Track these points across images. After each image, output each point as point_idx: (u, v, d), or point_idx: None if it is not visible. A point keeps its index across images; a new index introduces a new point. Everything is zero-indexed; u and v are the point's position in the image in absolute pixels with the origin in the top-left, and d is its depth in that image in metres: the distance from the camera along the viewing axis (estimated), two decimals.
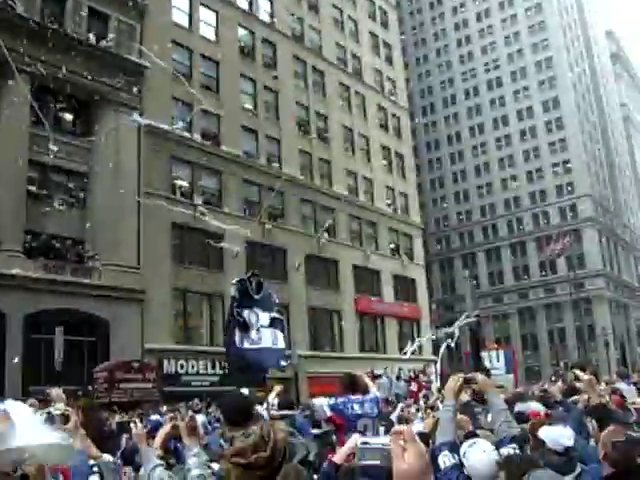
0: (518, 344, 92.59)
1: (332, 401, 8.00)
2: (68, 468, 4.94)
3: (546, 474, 4.15)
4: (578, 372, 8.39)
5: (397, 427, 2.20)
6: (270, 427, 4.72)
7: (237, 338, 10.52)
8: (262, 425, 4.73)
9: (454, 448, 4.95)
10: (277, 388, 10.34)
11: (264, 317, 10.74)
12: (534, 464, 4.28)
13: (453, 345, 29.18)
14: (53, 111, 34.73)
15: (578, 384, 8.77)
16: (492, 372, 22.81)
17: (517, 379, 22.58)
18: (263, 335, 10.62)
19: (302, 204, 50.24)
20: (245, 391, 9.46)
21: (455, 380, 5.64)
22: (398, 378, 23.16)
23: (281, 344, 11.02)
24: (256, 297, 11.15)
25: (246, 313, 10.74)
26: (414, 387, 23.00)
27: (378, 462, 2.32)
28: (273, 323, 10.94)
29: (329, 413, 7.85)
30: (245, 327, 10.67)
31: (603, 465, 4.70)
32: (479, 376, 6.15)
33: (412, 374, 27.59)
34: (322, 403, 8.08)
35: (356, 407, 7.88)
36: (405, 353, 37.34)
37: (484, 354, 27.04)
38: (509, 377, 21.45)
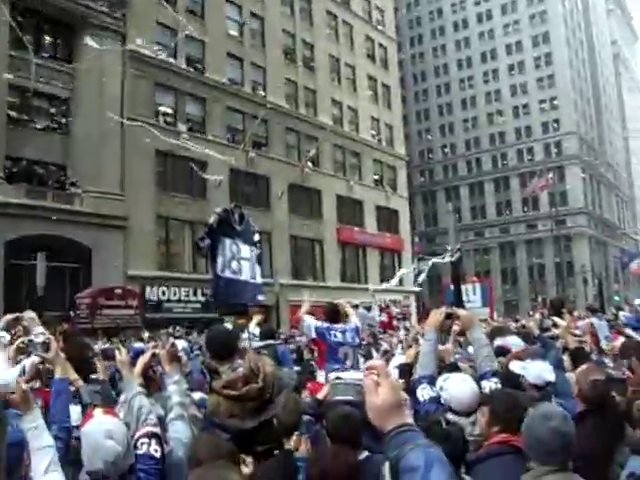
0: (498, 278, 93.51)
1: (318, 324, 8.15)
2: (48, 392, 5.03)
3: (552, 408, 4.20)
4: (556, 319, 8.54)
5: (370, 362, 2.25)
6: (258, 360, 4.81)
7: (219, 266, 10.49)
8: (249, 358, 4.81)
9: (433, 381, 5.03)
10: (257, 317, 10.42)
11: (245, 249, 10.67)
12: (518, 403, 4.34)
13: (425, 277, 29.56)
14: (34, 34, 34.10)
15: (555, 330, 8.88)
16: (468, 305, 23.00)
17: (493, 312, 22.73)
18: (243, 267, 10.58)
19: (286, 133, 49.97)
20: (229, 325, 9.54)
21: (437, 314, 5.69)
22: (369, 309, 23.19)
23: (259, 279, 11.02)
24: (238, 228, 11.09)
25: (228, 243, 10.68)
26: (384, 318, 22.36)
27: (352, 397, 2.36)
28: (253, 257, 10.91)
29: (314, 335, 8.02)
30: (226, 256, 10.64)
31: (577, 401, 4.80)
32: (461, 311, 6.21)
33: (382, 304, 27.43)
34: (311, 323, 8.24)
35: (338, 335, 8.04)
36: (388, 281, 37.48)
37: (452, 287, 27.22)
38: (485, 310, 21.56)
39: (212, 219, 11.22)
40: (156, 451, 4.05)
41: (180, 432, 4.48)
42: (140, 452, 4.00)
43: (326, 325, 8.17)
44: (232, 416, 4.26)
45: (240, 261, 10.40)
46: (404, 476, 1.94)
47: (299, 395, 5.60)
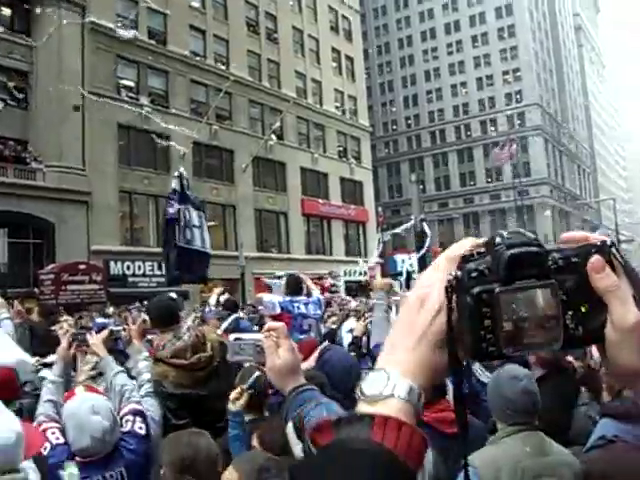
0: None
1: (281, 299, 8.29)
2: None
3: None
4: None
5: (270, 324, 2.35)
6: (201, 329, 4.90)
7: (177, 235, 10.40)
8: (192, 326, 4.92)
9: None
10: (217, 290, 10.46)
11: (194, 216, 10.59)
12: None
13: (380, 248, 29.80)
14: None
15: None
16: (414, 276, 23.08)
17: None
18: (195, 235, 10.50)
19: (250, 105, 49.74)
20: (173, 294, 9.56)
21: (385, 281, 5.91)
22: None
23: (209, 249, 10.93)
24: (188, 193, 10.98)
25: (182, 209, 10.56)
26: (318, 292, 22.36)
27: (250, 357, 2.48)
28: (203, 224, 10.78)
29: (278, 310, 8.14)
30: (180, 224, 10.50)
31: (535, 368, 5.03)
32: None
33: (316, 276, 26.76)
34: (272, 299, 8.37)
35: (302, 307, 8.18)
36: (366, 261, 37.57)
37: (400, 257, 27.30)
38: None
39: (175, 183, 11.13)
40: (141, 428, 4.05)
41: (152, 409, 4.44)
42: (125, 429, 3.99)
43: (289, 298, 8.32)
44: (181, 385, 4.36)
45: (192, 229, 10.36)
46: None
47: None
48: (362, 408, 0.98)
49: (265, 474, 2.72)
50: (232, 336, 2.59)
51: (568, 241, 0.99)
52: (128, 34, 30.48)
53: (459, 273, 0.96)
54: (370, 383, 1.00)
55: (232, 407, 3.87)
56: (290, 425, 2.18)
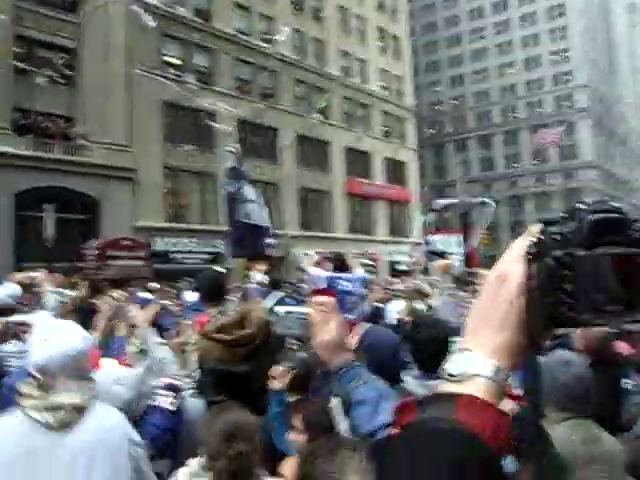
0: (507, 231, 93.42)
1: (327, 274, 8.21)
2: None
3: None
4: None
5: (320, 298, 2.29)
6: (248, 305, 4.87)
7: (237, 211, 10.36)
8: (239, 303, 4.89)
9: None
10: (261, 266, 10.42)
11: (250, 191, 10.54)
12: None
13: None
14: None
15: None
16: (450, 257, 22.74)
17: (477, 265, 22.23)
18: (253, 210, 10.45)
19: (295, 84, 49.70)
20: (219, 268, 9.46)
21: (441, 263, 5.86)
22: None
23: (267, 222, 10.87)
24: (243, 169, 10.93)
25: (238, 185, 10.50)
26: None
27: (299, 331, 2.41)
28: (259, 199, 10.72)
29: (323, 284, 8.06)
30: (239, 200, 10.45)
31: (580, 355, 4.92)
32: (484, 272, 6.31)
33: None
34: (319, 273, 8.30)
35: (348, 284, 8.10)
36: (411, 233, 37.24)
37: (437, 237, 26.96)
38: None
39: (231, 159, 11.07)
40: (172, 404, 4.02)
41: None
42: (153, 404, 3.98)
43: (336, 275, 8.25)
44: (222, 361, 4.34)
45: (248, 204, 10.31)
46: (357, 409, 2.03)
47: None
48: (447, 388, 0.97)
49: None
50: (281, 309, 2.52)
51: None
52: (149, 22, 30.29)
53: (541, 236, 0.96)
54: (455, 363, 0.99)
55: (274, 385, 3.83)
56: (336, 401, 2.13)
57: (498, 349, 0.97)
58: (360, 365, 2.15)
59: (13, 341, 5.22)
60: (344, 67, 55.51)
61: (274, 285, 10.89)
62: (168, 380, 4.18)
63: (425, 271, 22.48)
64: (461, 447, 0.85)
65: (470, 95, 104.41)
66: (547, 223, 0.97)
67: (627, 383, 5.11)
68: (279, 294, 10.18)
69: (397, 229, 59.03)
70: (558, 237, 0.93)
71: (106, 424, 3.18)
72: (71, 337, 3.16)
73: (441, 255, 23.73)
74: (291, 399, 3.99)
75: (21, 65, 31.24)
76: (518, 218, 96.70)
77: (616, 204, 0.94)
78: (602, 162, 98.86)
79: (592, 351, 4.82)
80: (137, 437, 3.39)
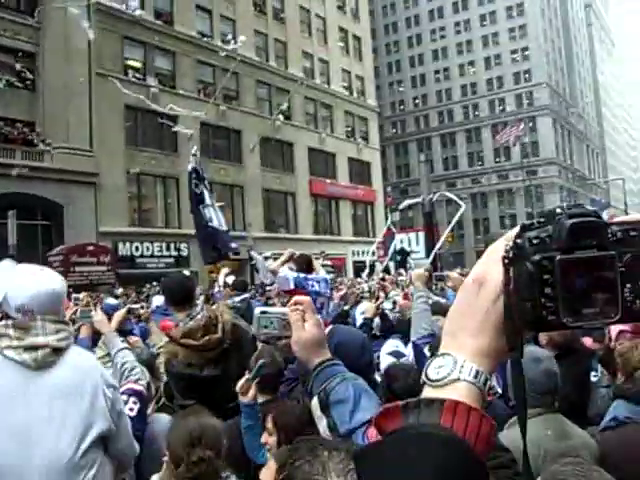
0: (470, 228, 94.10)
1: (295, 275, 8.28)
2: None
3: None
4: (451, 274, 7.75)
5: (297, 297, 2.33)
6: (216, 309, 4.90)
7: (204, 215, 10.33)
8: (207, 307, 4.91)
9: (433, 337, 5.20)
10: (224, 270, 10.43)
11: (208, 196, 10.52)
12: None
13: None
14: None
15: None
16: (413, 255, 22.72)
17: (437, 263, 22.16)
18: (212, 215, 10.44)
19: (257, 86, 49.64)
20: (186, 272, 9.44)
21: (421, 272, 5.93)
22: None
23: (225, 226, 10.84)
24: (202, 173, 10.89)
25: (200, 188, 10.50)
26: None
27: (277, 331, 2.46)
28: (214, 204, 10.68)
29: (292, 286, 8.12)
30: (202, 204, 10.44)
31: (546, 350, 5.01)
32: (453, 275, 6.38)
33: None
34: (288, 274, 8.36)
35: (315, 285, 8.18)
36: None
37: (398, 237, 26.94)
38: (428, 261, 21.26)
39: (193, 161, 11.04)
40: (131, 410, 3.99)
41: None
42: None
43: (303, 275, 8.32)
44: (190, 365, 4.37)
45: (209, 208, 10.32)
46: (336, 407, 2.08)
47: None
48: (428, 393, 0.98)
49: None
50: (257, 310, 2.57)
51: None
52: (135, 11, 30.06)
53: (519, 241, 0.97)
54: (435, 367, 1.00)
55: (243, 399, 3.89)
56: (315, 400, 2.18)
57: (478, 353, 0.99)
58: (338, 363, 2.18)
59: None
60: (306, 68, 55.52)
61: (241, 288, 10.93)
62: (129, 385, 4.18)
63: (386, 270, 22.32)
64: (449, 452, 0.86)
65: (432, 94, 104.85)
66: (525, 228, 0.98)
67: (595, 376, 5.23)
68: (245, 296, 10.22)
69: (362, 229, 59.21)
70: (537, 241, 0.95)
71: (83, 365, 3.19)
72: (49, 278, 3.18)
73: (403, 253, 23.78)
74: (260, 400, 4.05)
75: None
76: (482, 215, 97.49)
77: (591, 208, 0.98)
78: (563, 158, 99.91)
79: (557, 344, 4.93)
80: (112, 380, 3.40)
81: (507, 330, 0.98)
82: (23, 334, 2.95)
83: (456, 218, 23.19)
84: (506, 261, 0.97)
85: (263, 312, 2.54)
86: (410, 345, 5.60)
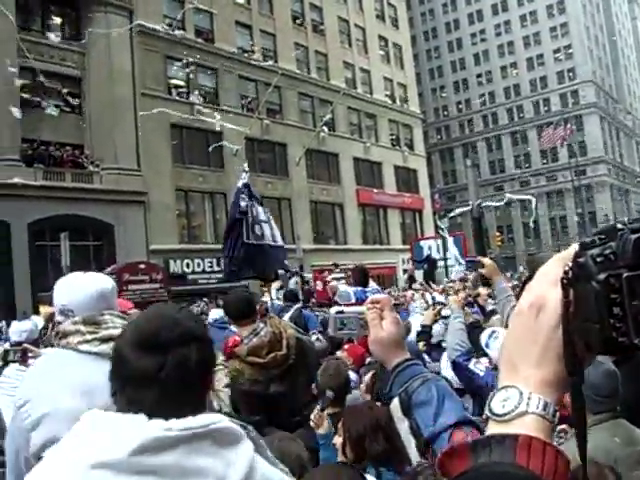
0: (520, 232, 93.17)
1: (354, 289, 8.24)
2: None
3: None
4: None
5: (374, 296, 2.23)
6: (279, 324, 4.84)
7: (244, 231, 10.26)
8: (271, 322, 4.85)
9: (471, 355, 5.10)
10: (274, 284, 10.37)
11: (261, 211, 10.46)
12: None
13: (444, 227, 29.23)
14: (40, 14, 34.21)
15: None
16: (440, 263, 22.40)
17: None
18: (265, 231, 10.35)
19: (300, 98, 49.80)
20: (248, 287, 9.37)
21: (457, 297, 5.85)
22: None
23: (280, 241, 10.75)
24: (253, 190, 10.86)
25: (249, 205, 10.44)
26: (319, 286, 19.08)
27: (354, 331, 2.37)
28: (269, 218, 10.62)
29: (353, 299, 8.06)
30: (249, 221, 10.36)
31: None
32: (487, 260, 6.25)
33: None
34: (347, 289, 8.31)
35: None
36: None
37: (424, 243, 26.46)
38: (460, 268, 20.73)
39: (245, 178, 11.02)
40: None
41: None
42: None
43: (360, 289, 8.27)
44: (256, 382, 4.32)
45: (261, 224, 10.24)
46: (418, 410, 1.97)
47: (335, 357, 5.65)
48: (494, 428, 0.92)
49: None
50: (334, 309, 2.49)
51: None
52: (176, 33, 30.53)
53: (581, 259, 0.91)
54: (500, 401, 0.93)
55: (319, 430, 3.96)
56: (396, 401, 2.08)
57: (542, 383, 0.92)
58: (418, 363, 2.10)
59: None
60: (348, 78, 55.59)
61: (292, 299, 10.89)
62: None
63: (411, 279, 21.82)
64: None
65: (475, 98, 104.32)
66: (585, 246, 0.92)
67: None
68: (296, 307, 10.18)
69: (411, 237, 58.95)
70: (601, 259, 0.87)
71: None
72: (90, 280, 3.25)
73: (430, 262, 23.32)
74: (330, 411, 4.01)
75: (28, 96, 31.45)
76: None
77: None
78: (612, 156, 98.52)
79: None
80: None
81: (566, 355, 0.90)
82: (96, 328, 3.00)
83: (533, 213, 22.86)
84: (565, 282, 0.90)
85: (339, 312, 2.48)
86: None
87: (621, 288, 0.84)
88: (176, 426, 1.67)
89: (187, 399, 1.81)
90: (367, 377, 4.78)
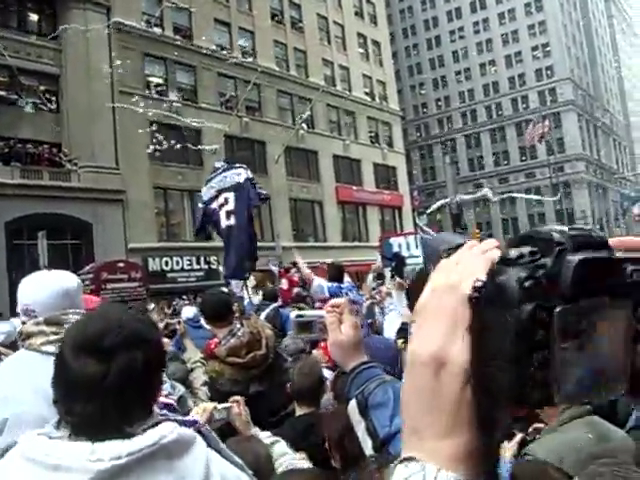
0: (499, 229, 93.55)
1: (329, 284, 8.24)
2: None
3: None
4: None
5: (333, 300, 2.24)
6: (256, 324, 4.84)
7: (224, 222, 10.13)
8: (248, 323, 4.84)
9: None
10: (252, 280, 10.29)
11: (231, 201, 10.29)
12: None
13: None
14: (16, 11, 33.94)
15: None
16: (409, 261, 22.29)
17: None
18: (236, 223, 10.20)
19: (279, 96, 49.72)
20: (225, 289, 9.26)
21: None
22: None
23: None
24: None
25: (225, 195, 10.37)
26: (284, 285, 18.73)
27: (314, 334, 2.38)
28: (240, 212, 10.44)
29: (327, 294, 8.06)
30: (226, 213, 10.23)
31: None
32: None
33: (281, 268, 21.08)
34: (321, 283, 8.31)
35: (349, 293, 8.14)
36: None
37: (393, 240, 26.31)
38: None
39: (247, 173, 10.94)
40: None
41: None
42: None
43: (336, 284, 8.28)
44: (236, 383, 4.32)
45: (231, 216, 10.14)
46: (374, 412, 2.01)
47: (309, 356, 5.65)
48: None
49: None
50: (294, 313, 2.49)
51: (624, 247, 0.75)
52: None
53: (502, 278, 0.69)
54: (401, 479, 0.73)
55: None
56: (353, 403, 2.10)
57: (454, 457, 0.72)
58: (375, 366, 2.13)
59: None
60: (327, 76, 55.54)
61: (271, 298, 10.86)
62: (160, 399, 4.13)
63: (379, 277, 21.78)
64: None
65: (454, 95, 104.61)
66: (508, 262, 0.70)
67: None
68: (273, 306, 10.16)
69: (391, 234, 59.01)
70: (529, 283, 0.67)
71: None
72: (54, 279, 3.20)
73: (397, 260, 23.22)
74: (300, 412, 3.99)
75: (4, 94, 31.21)
76: (510, 215, 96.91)
77: (599, 233, 0.71)
78: (590, 153, 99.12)
79: None
80: None
81: (483, 419, 0.72)
82: (59, 328, 2.91)
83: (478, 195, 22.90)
84: (474, 301, 0.70)
85: (299, 316, 2.47)
86: None
87: (549, 325, 0.65)
88: (125, 450, 1.59)
89: (133, 407, 1.74)
90: (331, 376, 4.78)
